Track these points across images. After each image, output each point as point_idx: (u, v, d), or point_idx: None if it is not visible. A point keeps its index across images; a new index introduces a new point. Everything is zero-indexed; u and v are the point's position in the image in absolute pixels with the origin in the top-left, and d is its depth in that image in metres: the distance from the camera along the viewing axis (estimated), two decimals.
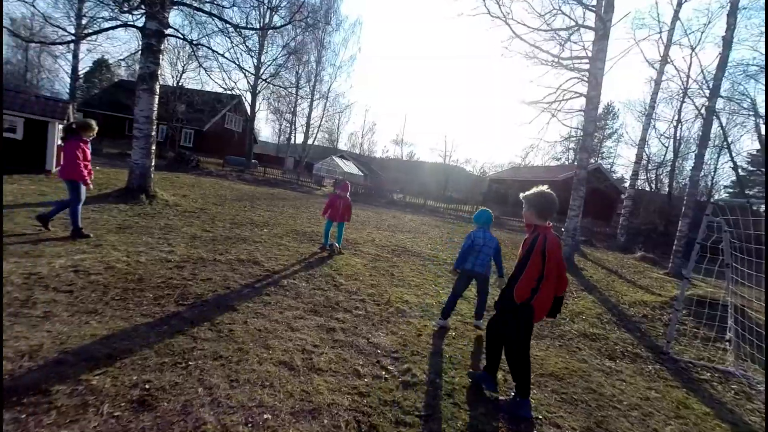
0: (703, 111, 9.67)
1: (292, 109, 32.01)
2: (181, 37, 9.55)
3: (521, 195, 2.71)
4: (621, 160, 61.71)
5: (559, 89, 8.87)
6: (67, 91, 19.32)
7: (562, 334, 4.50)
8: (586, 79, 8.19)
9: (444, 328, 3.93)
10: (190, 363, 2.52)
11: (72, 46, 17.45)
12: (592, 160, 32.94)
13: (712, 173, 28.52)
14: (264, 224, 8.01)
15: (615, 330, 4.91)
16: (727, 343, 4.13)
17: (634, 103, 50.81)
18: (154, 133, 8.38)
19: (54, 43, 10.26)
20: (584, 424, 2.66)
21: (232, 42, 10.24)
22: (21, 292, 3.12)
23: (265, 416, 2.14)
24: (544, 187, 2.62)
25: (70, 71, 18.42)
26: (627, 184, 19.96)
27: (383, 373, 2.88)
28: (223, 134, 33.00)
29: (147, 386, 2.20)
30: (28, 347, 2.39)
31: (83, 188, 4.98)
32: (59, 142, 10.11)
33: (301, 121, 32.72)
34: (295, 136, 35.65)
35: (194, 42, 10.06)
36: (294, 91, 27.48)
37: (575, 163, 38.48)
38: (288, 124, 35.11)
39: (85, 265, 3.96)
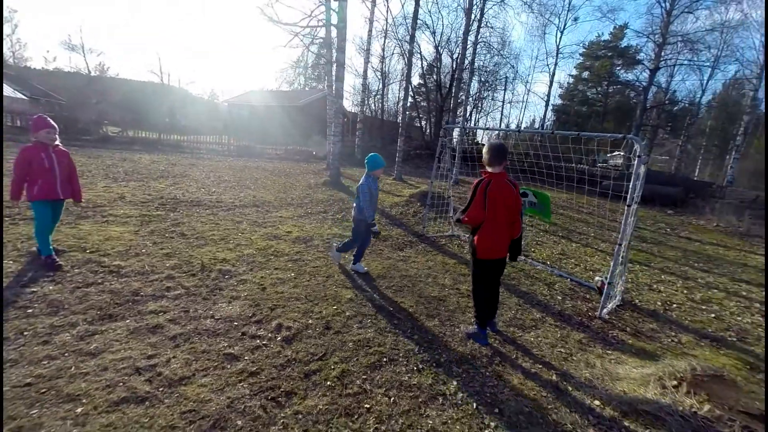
0: (406, 53, 12.57)
1: None
2: None
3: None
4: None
5: (312, 16, 8.81)
6: None
7: None
8: (334, 9, 8.55)
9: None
10: None
11: None
12: (320, 87, 36.33)
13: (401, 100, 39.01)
14: None
15: (392, 228, 6.47)
16: (451, 218, 6.52)
17: (355, 38, 57.90)
18: None
19: None
20: (413, 300, 3.63)
21: None
22: None
23: None
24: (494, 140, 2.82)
25: None
26: (355, 110, 23.83)
27: (257, 342, 2.61)
28: None
29: None
30: None
31: None
32: None
33: None
34: None
35: None
36: None
37: (307, 89, 40.38)
38: None
39: None
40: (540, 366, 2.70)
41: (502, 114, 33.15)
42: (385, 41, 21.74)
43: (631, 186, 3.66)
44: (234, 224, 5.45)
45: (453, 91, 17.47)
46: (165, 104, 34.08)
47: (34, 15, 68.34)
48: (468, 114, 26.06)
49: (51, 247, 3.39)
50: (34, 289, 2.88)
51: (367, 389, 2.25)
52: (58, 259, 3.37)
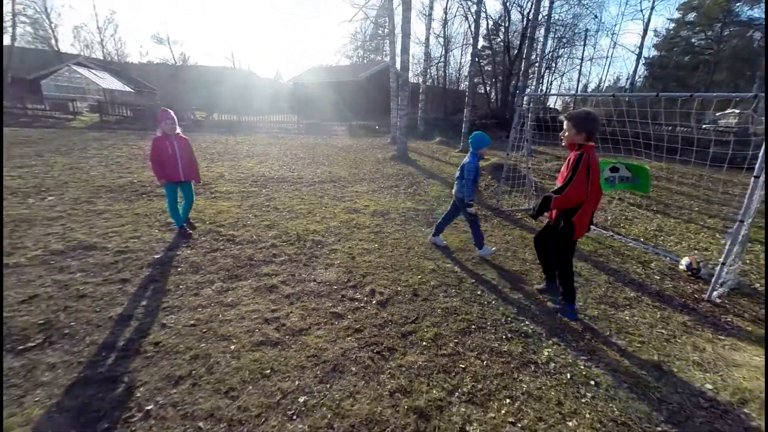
0: (473, 13, 11.74)
1: None
2: None
3: (564, 115, 2.63)
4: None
5: None
6: None
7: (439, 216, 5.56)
8: None
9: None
10: (148, 408, 1.78)
11: None
12: (378, 59, 35.64)
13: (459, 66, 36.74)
14: (50, 189, 5.20)
15: None
16: (533, 192, 6.26)
17: (415, 2, 55.30)
18: None
19: None
20: (495, 273, 3.66)
21: None
22: None
23: (302, 399, 1.91)
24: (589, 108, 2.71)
25: None
26: (416, 80, 23.16)
27: (356, 304, 2.92)
28: None
29: None
30: None
31: None
32: None
33: None
34: None
35: None
36: None
37: (365, 62, 39.79)
38: None
39: None
40: (638, 345, 2.61)
41: (580, 73, 29.58)
42: (447, 2, 20.41)
43: (761, 154, 3.14)
44: (317, 198, 5.92)
45: (524, 51, 15.93)
46: (237, 87, 36.63)
47: (133, 14, 77.26)
48: (540, 75, 23.71)
49: (182, 220, 4.08)
50: (178, 253, 3.56)
51: (460, 351, 2.42)
52: (188, 230, 4.06)
